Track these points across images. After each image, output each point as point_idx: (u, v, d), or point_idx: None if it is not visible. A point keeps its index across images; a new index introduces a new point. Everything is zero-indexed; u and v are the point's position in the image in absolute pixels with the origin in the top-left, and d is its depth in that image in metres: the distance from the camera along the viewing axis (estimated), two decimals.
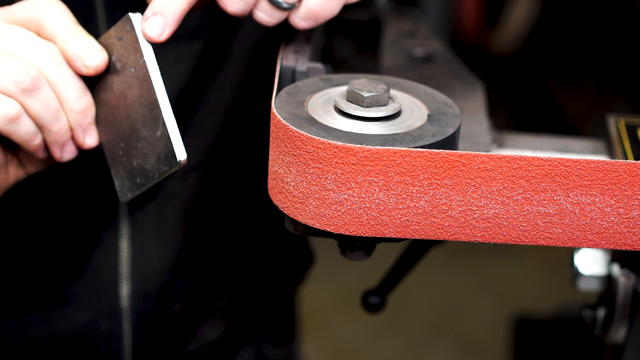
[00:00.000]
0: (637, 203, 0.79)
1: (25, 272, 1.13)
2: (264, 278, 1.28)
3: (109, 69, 0.89)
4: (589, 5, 3.69)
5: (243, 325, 1.27)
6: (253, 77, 1.15)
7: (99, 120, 0.92)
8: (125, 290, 1.14)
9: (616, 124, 0.98)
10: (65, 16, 0.90)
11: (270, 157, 0.84)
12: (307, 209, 0.81)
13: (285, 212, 0.84)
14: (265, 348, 1.30)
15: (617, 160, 0.78)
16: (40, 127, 0.89)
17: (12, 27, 0.89)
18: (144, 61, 0.84)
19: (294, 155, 0.80)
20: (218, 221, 1.20)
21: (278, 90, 0.88)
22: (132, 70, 0.86)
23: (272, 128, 0.83)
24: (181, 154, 0.83)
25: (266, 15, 0.91)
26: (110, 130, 0.91)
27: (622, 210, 0.79)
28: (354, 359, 2.73)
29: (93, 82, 0.91)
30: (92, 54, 0.88)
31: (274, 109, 0.83)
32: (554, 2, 3.82)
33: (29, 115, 0.88)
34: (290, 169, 0.81)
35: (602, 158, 0.90)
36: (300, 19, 0.92)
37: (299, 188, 0.81)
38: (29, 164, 0.95)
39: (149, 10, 0.87)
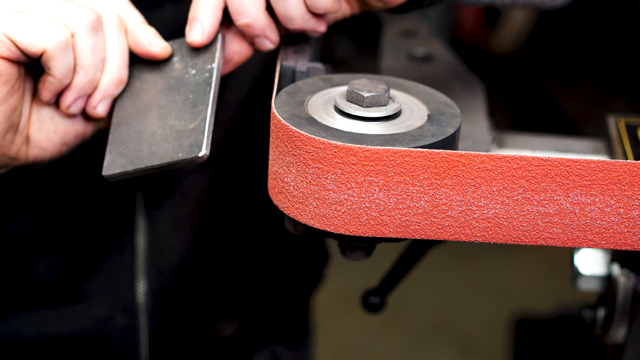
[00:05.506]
0: (637, 203, 0.79)
1: (40, 268, 1.13)
2: (278, 276, 1.28)
3: (160, 66, 0.96)
4: (588, 5, 3.69)
5: (258, 322, 1.27)
6: (268, 72, 1.15)
7: (116, 101, 0.96)
8: (141, 286, 1.15)
9: (616, 124, 0.98)
10: (139, 13, 0.96)
11: (270, 157, 0.84)
12: (307, 209, 0.81)
13: (285, 212, 0.84)
14: (280, 352, 1.31)
15: (617, 160, 0.78)
16: (76, 68, 0.91)
17: None
18: (212, 68, 0.92)
19: (294, 155, 0.80)
20: (233, 218, 1.20)
21: (278, 90, 0.88)
22: (193, 72, 0.94)
23: (272, 128, 0.83)
24: (206, 148, 0.88)
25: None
26: (126, 114, 0.95)
27: (622, 210, 0.79)
28: (354, 359, 2.73)
29: (131, 71, 0.97)
30: (160, 40, 0.95)
31: (274, 109, 0.83)
32: None
33: (75, 51, 0.90)
34: (290, 169, 0.81)
35: (602, 158, 0.90)
36: None
37: (299, 188, 0.81)
38: (34, 145, 0.94)
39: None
